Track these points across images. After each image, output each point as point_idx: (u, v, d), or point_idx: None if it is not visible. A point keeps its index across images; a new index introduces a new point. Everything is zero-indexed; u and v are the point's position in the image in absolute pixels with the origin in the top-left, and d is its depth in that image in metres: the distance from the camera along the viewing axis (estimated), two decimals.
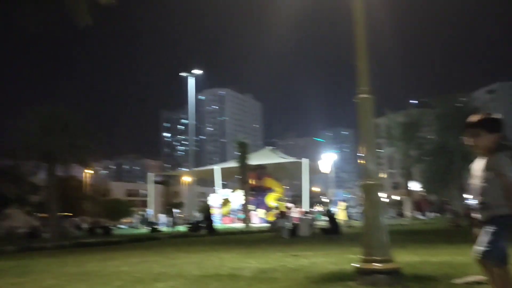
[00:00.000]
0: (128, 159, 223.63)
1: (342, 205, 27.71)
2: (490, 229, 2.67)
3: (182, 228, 24.78)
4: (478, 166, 2.87)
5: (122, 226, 42.52)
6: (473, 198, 2.84)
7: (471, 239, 8.66)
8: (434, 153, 31.77)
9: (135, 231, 26.84)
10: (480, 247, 2.68)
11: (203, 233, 18.63)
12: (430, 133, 42.37)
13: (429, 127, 35.95)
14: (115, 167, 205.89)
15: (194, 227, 19.89)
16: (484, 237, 2.67)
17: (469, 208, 26.17)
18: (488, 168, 2.75)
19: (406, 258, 6.49)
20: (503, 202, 2.66)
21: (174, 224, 36.39)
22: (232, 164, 33.18)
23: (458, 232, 13.33)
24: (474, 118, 2.88)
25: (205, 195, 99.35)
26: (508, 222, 2.65)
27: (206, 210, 21.38)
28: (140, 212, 41.05)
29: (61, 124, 25.03)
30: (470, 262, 5.72)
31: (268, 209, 33.24)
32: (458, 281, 4.25)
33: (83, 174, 69.51)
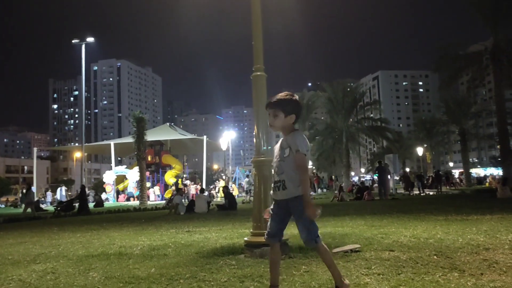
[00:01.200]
0: (9, 131, 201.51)
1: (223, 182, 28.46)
2: (299, 212, 2.67)
3: (51, 208, 23.21)
4: (278, 145, 2.85)
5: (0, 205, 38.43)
6: (273, 178, 2.82)
7: (351, 212, 9.44)
8: (324, 133, 34.00)
9: (14, 211, 24.43)
10: (303, 234, 2.70)
11: (73, 212, 17.34)
12: (322, 115, 45.10)
13: (321, 108, 38.33)
14: None
15: (65, 206, 18.52)
16: (300, 221, 2.68)
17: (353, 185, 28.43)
18: (284, 146, 2.75)
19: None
20: (297, 182, 2.68)
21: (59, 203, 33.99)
22: (129, 139, 31.76)
23: (342, 205, 14.53)
24: (273, 98, 2.84)
25: (99, 171, 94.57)
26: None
27: (81, 190, 20.01)
28: (24, 190, 37.41)
29: None
30: (348, 232, 6.26)
31: (166, 186, 32.70)
32: (336, 250, 4.60)
33: None
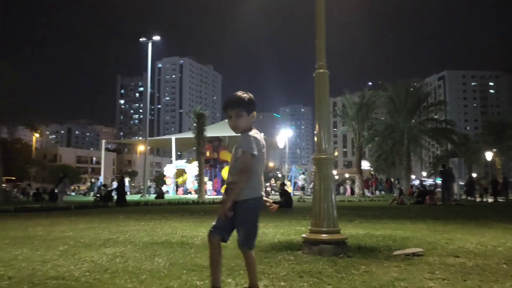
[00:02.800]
0: (80, 124, 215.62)
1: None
2: (242, 215, 2.59)
3: (90, 198, 24.26)
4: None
5: (71, 193, 41.28)
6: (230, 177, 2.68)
7: (412, 216, 9.15)
8: (384, 134, 32.94)
9: (83, 199, 26.16)
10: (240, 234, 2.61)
11: (112, 203, 17.66)
12: (382, 115, 43.72)
13: (382, 109, 37.14)
14: (65, 132, 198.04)
15: (105, 196, 19.13)
16: (239, 225, 2.60)
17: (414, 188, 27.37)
18: (237, 146, 2.66)
19: (352, 231, 6.78)
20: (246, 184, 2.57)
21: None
22: (189, 135, 32.78)
23: (402, 209, 14.05)
24: (235, 98, 2.71)
25: (160, 165, 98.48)
26: (252, 205, 2.59)
27: (119, 180, 20.54)
28: (93, 180, 39.99)
29: (7, 83, 23.55)
30: (410, 236, 6.07)
31: (223, 181, 33.38)
32: (398, 252, 4.49)
33: (31, 137, 66.48)
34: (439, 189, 25.98)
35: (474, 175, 48.34)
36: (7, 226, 7.95)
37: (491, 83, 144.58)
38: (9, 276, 3.50)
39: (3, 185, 26.04)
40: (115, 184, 37.72)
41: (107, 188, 22.57)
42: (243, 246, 2.64)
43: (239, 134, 2.71)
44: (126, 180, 40.46)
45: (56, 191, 20.76)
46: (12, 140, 51.10)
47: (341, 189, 40.37)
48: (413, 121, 33.11)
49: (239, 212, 2.59)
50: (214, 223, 2.66)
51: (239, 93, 2.73)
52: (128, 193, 37.95)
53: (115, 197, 19.13)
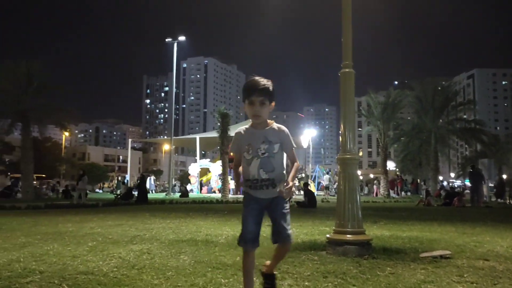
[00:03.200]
0: (108, 123, 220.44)
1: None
2: (287, 208, 2.57)
3: (110, 195, 24.45)
4: (253, 138, 2.56)
5: (98, 190, 42.31)
6: (254, 174, 2.53)
7: (440, 217, 8.95)
8: (410, 134, 32.33)
9: (111, 196, 26.70)
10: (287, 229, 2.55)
11: (132, 201, 17.63)
12: (408, 115, 42.89)
13: (408, 108, 36.45)
14: (93, 131, 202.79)
15: (125, 194, 19.13)
16: (286, 217, 2.55)
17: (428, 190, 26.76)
18: (273, 140, 2.53)
19: (377, 232, 6.70)
20: (285, 178, 2.53)
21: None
22: (213, 134, 33.05)
23: (429, 210, 13.77)
24: (261, 84, 2.53)
25: (184, 164, 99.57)
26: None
27: (140, 179, 20.56)
28: (119, 178, 40.86)
29: (38, 83, 24.30)
30: (437, 238, 5.96)
31: None
32: (425, 254, 4.41)
33: (61, 136, 68.37)
34: (467, 191, 25.32)
35: (504, 176, 46.85)
36: (38, 222, 8.22)
37: None
38: (41, 270, 3.62)
39: (34, 182, 26.88)
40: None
41: (128, 186, 22.75)
42: (289, 237, 2.57)
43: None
44: (152, 178, 41.22)
45: (74, 188, 20.97)
46: (43, 139, 52.67)
47: (366, 190, 39.87)
48: (440, 120, 32.38)
49: (281, 205, 2.55)
50: (246, 233, 2.55)
51: (263, 80, 2.56)
52: (153, 191, 38.69)
53: (136, 195, 19.28)
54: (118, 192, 23.16)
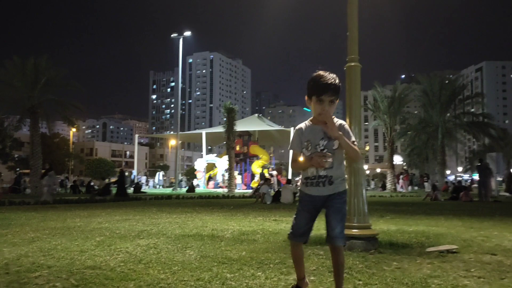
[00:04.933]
0: (115, 119, 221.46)
1: None
2: (342, 206, 2.51)
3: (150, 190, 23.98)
4: (313, 134, 2.52)
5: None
6: (313, 170, 2.51)
7: (447, 212, 8.90)
8: (417, 128, 32.12)
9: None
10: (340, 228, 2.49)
11: (110, 197, 16.88)
12: (415, 109, 42.59)
13: (415, 102, 36.20)
14: (100, 127, 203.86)
15: (102, 190, 18.27)
16: (338, 216, 2.49)
17: (442, 184, 26.58)
18: (335, 137, 2.45)
19: (384, 226, 6.68)
20: (344, 175, 2.53)
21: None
22: (219, 129, 33.10)
23: (436, 205, 13.71)
24: (335, 83, 2.45)
25: (191, 159, 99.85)
26: (346, 198, 2.53)
27: (119, 174, 19.82)
28: (126, 173, 41.07)
29: (46, 79, 24.44)
30: (444, 233, 5.93)
31: (253, 175, 33.54)
32: (431, 249, 4.40)
33: (69, 132, 68.79)
34: (475, 185, 25.12)
35: None
36: (47, 217, 8.30)
37: None
38: (49, 265, 3.66)
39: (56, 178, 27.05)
40: (143, 178, 38.68)
41: (106, 182, 21.49)
42: (341, 240, 2.49)
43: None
44: (161, 174, 41.33)
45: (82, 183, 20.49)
46: (51, 134, 53.01)
47: (372, 184, 39.70)
48: (448, 114, 32.11)
49: (338, 202, 2.49)
50: (295, 228, 2.58)
51: (333, 77, 2.46)
52: (161, 186, 38.87)
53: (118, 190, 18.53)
54: (96, 187, 22.95)
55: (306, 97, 2.55)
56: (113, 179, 29.50)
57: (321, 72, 2.50)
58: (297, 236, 2.58)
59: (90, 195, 17.57)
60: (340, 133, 2.43)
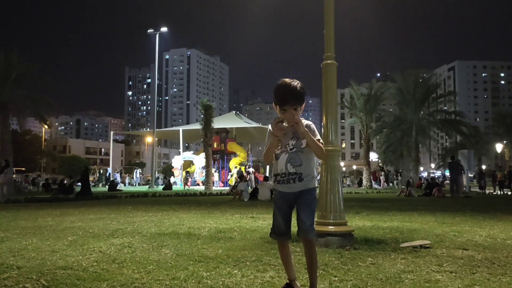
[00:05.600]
0: (89, 116, 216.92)
1: None
2: (312, 202, 2.58)
3: (99, 188, 23.29)
4: (284, 135, 2.59)
5: (79, 184, 41.69)
6: (282, 168, 2.58)
7: (420, 208, 9.09)
8: (392, 126, 32.72)
9: (92, 189, 26.34)
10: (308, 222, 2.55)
11: (73, 196, 16.43)
12: (390, 106, 43.29)
13: (390, 100, 36.87)
14: (74, 124, 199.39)
15: (65, 189, 17.66)
16: (308, 211, 2.56)
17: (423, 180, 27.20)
18: (299, 136, 2.54)
19: (359, 223, 6.77)
20: (313, 173, 2.62)
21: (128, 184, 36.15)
22: (196, 126, 32.87)
23: (409, 201, 13.99)
24: (295, 92, 2.51)
25: (168, 156, 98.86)
26: (315, 194, 2.62)
27: (83, 172, 19.08)
28: (101, 171, 40.35)
29: (17, 74, 23.70)
30: (417, 228, 6.05)
31: (230, 172, 33.49)
32: (405, 244, 4.47)
33: (41, 129, 66.98)
34: (447, 181, 25.77)
35: (483, 167, 47.98)
36: (17, 217, 8.05)
37: (502, 74, 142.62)
38: (19, 265, 3.54)
39: (13, 175, 26.33)
40: (116, 175, 38.01)
41: (66, 183, 20.39)
42: (311, 232, 2.56)
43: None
44: (138, 171, 40.74)
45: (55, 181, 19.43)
46: (22, 131, 51.49)
47: (348, 181, 40.20)
48: (422, 112, 32.83)
49: (308, 198, 2.57)
50: (276, 228, 2.65)
51: (295, 84, 2.53)
52: (137, 184, 38.35)
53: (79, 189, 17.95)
54: (103, 184, 22.61)
55: (273, 104, 2.63)
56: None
57: (285, 80, 2.57)
58: (279, 235, 2.65)
59: (52, 193, 16.99)
60: (306, 129, 2.51)
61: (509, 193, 22.38)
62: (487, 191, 23.98)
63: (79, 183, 19.93)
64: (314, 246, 2.62)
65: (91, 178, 46.03)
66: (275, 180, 2.66)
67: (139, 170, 41.64)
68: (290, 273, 2.71)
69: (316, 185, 2.75)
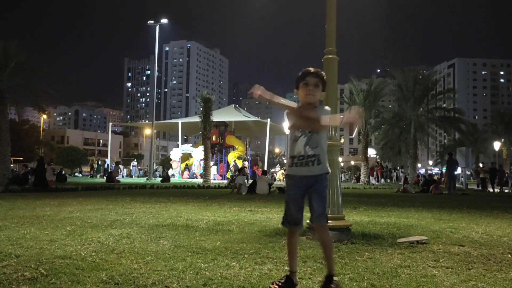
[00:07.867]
0: (88, 106, 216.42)
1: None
2: (324, 191, 2.65)
3: (97, 180, 22.73)
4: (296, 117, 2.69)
5: (78, 174, 41.71)
6: (300, 150, 2.63)
7: (417, 204, 9.12)
8: (391, 122, 32.74)
9: (90, 180, 26.38)
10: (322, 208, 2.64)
11: (28, 186, 15.70)
12: (390, 103, 43.27)
13: (390, 96, 36.85)
14: (72, 114, 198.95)
15: (19, 179, 16.95)
16: (320, 199, 2.63)
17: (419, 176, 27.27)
18: (317, 117, 2.60)
19: (357, 218, 6.80)
20: (326, 159, 2.70)
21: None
22: (195, 119, 32.80)
23: (407, 197, 14.05)
24: (315, 69, 2.73)
25: (166, 148, 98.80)
26: (327, 179, 2.68)
27: (38, 162, 17.89)
28: (99, 162, 40.32)
29: (15, 63, 23.59)
30: (414, 224, 6.08)
31: (229, 166, 33.50)
32: (402, 240, 4.50)
33: (40, 118, 66.83)
34: (443, 179, 25.78)
35: (480, 165, 48.15)
36: (15, 206, 8.06)
37: (502, 72, 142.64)
38: (17, 254, 3.56)
39: (11, 165, 26.26)
40: (122, 168, 38.01)
41: (21, 172, 19.35)
42: (324, 218, 2.65)
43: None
44: (134, 162, 40.66)
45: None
46: (20, 121, 51.34)
47: (345, 176, 40.30)
48: (420, 109, 32.84)
49: (320, 187, 2.64)
50: (289, 216, 2.70)
51: (318, 70, 2.76)
52: (135, 176, 38.36)
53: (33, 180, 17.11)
54: (101, 176, 22.43)
55: (295, 91, 2.74)
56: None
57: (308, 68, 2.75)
58: (292, 224, 2.70)
59: (5, 183, 16.00)
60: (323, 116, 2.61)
61: (493, 190, 22.43)
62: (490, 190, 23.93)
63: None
64: (327, 229, 2.70)
65: (87, 169, 46.16)
66: (292, 163, 2.67)
67: (135, 162, 41.60)
68: (293, 265, 2.74)
69: None
